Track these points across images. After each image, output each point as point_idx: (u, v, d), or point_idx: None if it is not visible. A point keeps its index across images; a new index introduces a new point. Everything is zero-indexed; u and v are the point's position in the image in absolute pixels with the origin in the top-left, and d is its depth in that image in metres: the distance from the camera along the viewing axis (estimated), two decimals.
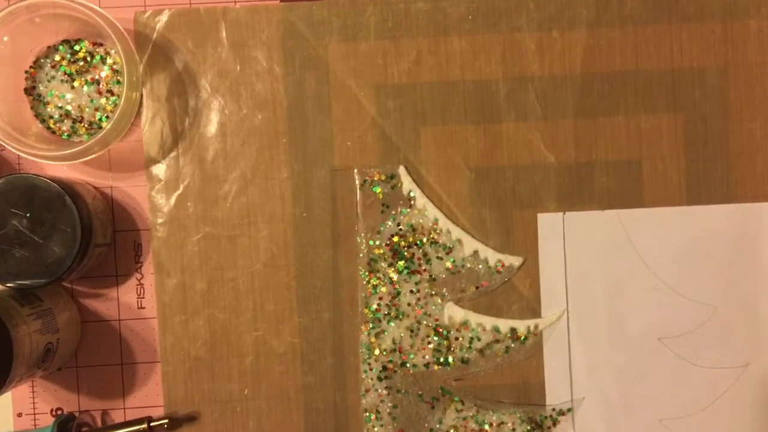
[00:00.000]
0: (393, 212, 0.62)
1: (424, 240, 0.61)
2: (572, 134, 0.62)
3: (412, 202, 0.62)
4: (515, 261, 0.62)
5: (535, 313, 0.62)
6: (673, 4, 0.62)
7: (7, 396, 0.62)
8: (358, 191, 0.62)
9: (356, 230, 0.62)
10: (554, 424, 0.61)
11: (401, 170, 0.62)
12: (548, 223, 0.62)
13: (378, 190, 0.62)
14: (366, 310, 0.61)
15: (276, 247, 0.62)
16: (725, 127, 0.62)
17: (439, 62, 0.62)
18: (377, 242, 0.62)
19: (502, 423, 0.61)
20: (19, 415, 0.62)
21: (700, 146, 0.62)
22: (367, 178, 0.62)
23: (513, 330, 0.61)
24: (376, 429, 0.61)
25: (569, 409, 0.61)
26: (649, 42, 0.62)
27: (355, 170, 0.62)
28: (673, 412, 0.61)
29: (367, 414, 0.61)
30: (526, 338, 0.61)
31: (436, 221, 0.61)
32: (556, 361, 0.62)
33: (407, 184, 0.62)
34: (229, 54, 0.62)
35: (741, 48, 0.62)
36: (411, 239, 0.61)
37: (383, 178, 0.62)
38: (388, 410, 0.61)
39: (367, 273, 0.62)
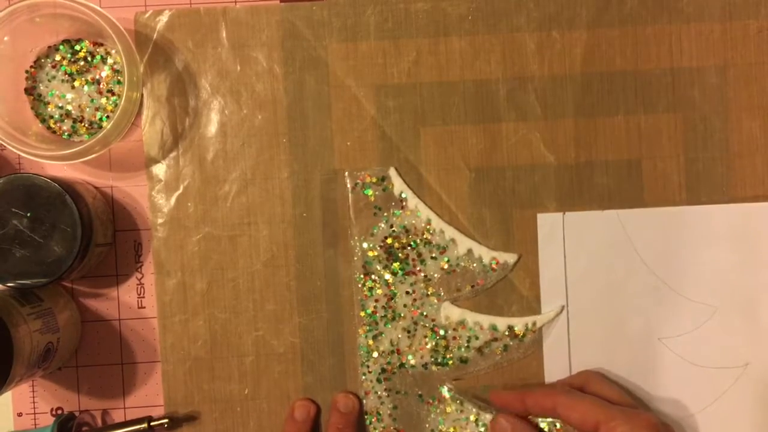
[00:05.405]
0: (385, 214, 0.62)
1: (418, 240, 0.61)
2: (572, 134, 0.62)
3: (404, 203, 0.62)
4: (510, 258, 0.62)
5: (535, 313, 0.62)
6: (672, 4, 0.62)
7: (7, 396, 0.62)
8: (349, 194, 0.62)
9: (350, 233, 0.62)
10: (555, 425, 0.61)
11: (392, 172, 0.62)
12: (548, 223, 0.62)
13: (369, 192, 0.62)
14: (362, 313, 0.61)
15: (276, 247, 0.62)
16: (725, 126, 0.62)
17: (439, 62, 0.62)
18: (371, 244, 0.62)
19: None
20: (19, 414, 0.62)
21: (699, 146, 0.62)
22: (358, 181, 0.62)
23: (510, 328, 0.61)
24: (377, 431, 0.61)
25: None
26: (649, 42, 0.62)
27: (346, 173, 0.62)
28: (673, 411, 0.61)
29: (368, 416, 0.61)
30: (524, 336, 0.61)
31: (428, 221, 0.61)
32: (555, 361, 0.62)
33: (398, 185, 0.62)
34: (229, 54, 0.62)
35: (740, 48, 0.62)
36: (404, 240, 0.61)
37: (374, 180, 0.62)
38: (388, 411, 0.61)
39: (362, 276, 0.62)
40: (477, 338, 0.61)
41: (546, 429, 0.59)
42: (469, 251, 0.61)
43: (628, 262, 0.62)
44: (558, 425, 0.59)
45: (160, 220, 0.62)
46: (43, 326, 0.56)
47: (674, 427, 0.61)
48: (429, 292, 0.61)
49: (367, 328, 0.61)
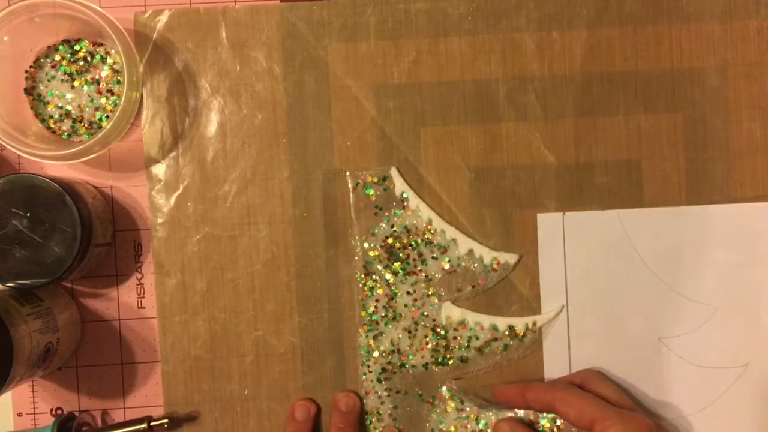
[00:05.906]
0: (386, 214, 0.62)
1: (419, 241, 0.61)
2: (572, 134, 0.62)
3: (405, 203, 0.62)
4: (510, 258, 0.62)
5: (535, 313, 0.62)
6: (672, 4, 0.62)
7: (7, 396, 0.62)
8: (351, 194, 0.62)
9: (351, 233, 0.62)
10: (555, 422, 0.61)
11: (393, 172, 0.62)
12: (548, 223, 0.62)
13: (371, 192, 0.62)
14: (363, 313, 0.61)
15: (276, 247, 0.62)
16: (725, 127, 0.62)
17: (439, 62, 0.62)
18: (372, 244, 0.62)
19: None
20: (19, 414, 0.62)
21: (700, 146, 0.62)
22: (359, 180, 0.62)
23: (511, 327, 0.61)
24: (377, 431, 0.61)
25: None
26: (649, 42, 0.62)
27: (347, 173, 0.62)
28: (673, 412, 0.61)
29: (368, 416, 0.62)
30: (524, 335, 0.61)
31: (429, 221, 0.61)
32: (556, 361, 0.62)
33: (399, 185, 0.62)
34: (229, 54, 0.62)
35: (740, 48, 0.62)
36: (405, 240, 0.61)
37: (375, 180, 0.62)
38: (389, 411, 0.61)
39: (363, 275, 0.62)
40: (477, 338, 0.61)
41: (547, 426, 0.60)
42: (470, 251, 0.61)
43: (628, 262, 0.62)
44: (558, 422, 0.59)
45: (159, 220, 0.62)
46: (43, 326, 0.56)
47: (674, 427, 0.61)
48: (430, 292, 0.61)
49: (368, 327, 0.61)
